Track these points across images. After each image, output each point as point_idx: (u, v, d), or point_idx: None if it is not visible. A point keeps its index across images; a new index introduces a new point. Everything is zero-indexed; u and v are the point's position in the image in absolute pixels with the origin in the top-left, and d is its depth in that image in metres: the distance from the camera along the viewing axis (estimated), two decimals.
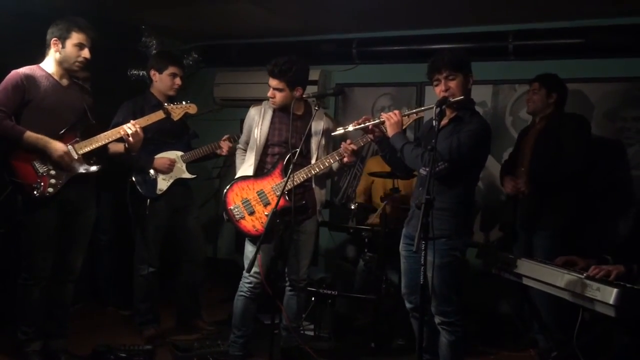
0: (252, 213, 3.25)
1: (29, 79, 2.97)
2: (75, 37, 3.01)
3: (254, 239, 3.24)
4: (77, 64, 3.05)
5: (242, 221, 3.26)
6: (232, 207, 3.27)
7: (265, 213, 3.22)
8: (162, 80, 3.73)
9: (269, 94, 3.26)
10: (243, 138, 3.45)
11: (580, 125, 3.66)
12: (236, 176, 3.38)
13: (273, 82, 3.22)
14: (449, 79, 2.76)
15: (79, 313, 3.97)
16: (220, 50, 5.36)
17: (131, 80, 4.95)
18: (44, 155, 2.97)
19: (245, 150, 3.43)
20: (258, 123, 3.31)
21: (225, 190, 3.31)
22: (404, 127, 3.01)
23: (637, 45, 3.91)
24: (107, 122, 3.48)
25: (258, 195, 3.26)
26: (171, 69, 3.71)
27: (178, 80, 3.74)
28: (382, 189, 4.34)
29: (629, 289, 2.47)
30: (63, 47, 3.02)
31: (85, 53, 3.05)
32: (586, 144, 3.62)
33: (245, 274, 3.25)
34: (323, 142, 3.31)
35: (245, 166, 3.35)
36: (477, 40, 4.34)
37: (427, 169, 2.54)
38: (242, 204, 3.27)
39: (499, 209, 4.32)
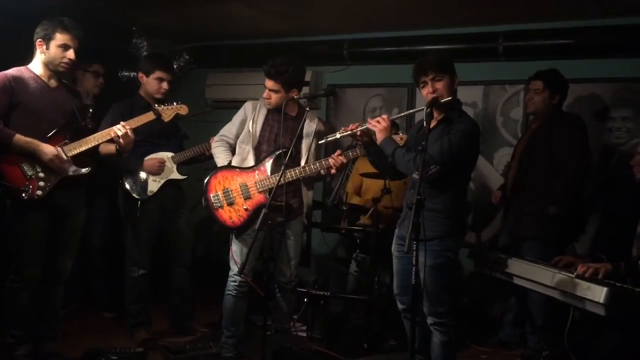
0: (231, 204, 3.25)
1: (17, 80, 2.93)
2: (60, 38, 2.95)
3: (227, 230, 3.29)
4: (62, 65, 2.99)
5: (220, 210, 3.26)
6: (212, 195, 3.26)
7: (244, 207, 3.22)
8: (149, 84, 3.70)
9: (265, 94, 3.23)
10: (232, 130, 3.37)
11: (574, 125, 3.52)
12: (219, 165, 3.34)
13: (269, 84, 3.20)
14: (436, 80, 2.76)
15: (70, 316, 3.94)
16: (211, 51, 5.35)
17: (122, 81, 4.93)
18: (34, 157, 2.94)
19: (229, 141, 3.38)
20: (255, 118, 3.29)
21: (208, 177, 3.29)
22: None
23: (627, 46, 3.94)
24: (98, 123, 3.47)
25: (240, 187, 3.25)
26: (158, 73, 3.68)
27: (165, 85, 3.70)
28: (374, 189, 4.33)
29: (619, 288, 2.49)
30: (47, 48, 2.96)
31: (70, 54, 2.98)
32: (582, 146, 3.48)
33: (230, 272, 3.27)
34: (313, 145, 3.30)
35: (239, 159, 3.31)
36: (468, 41, 4.35)
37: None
38: (223, 193, 3.26)
39: (491, 209, 4.33)
